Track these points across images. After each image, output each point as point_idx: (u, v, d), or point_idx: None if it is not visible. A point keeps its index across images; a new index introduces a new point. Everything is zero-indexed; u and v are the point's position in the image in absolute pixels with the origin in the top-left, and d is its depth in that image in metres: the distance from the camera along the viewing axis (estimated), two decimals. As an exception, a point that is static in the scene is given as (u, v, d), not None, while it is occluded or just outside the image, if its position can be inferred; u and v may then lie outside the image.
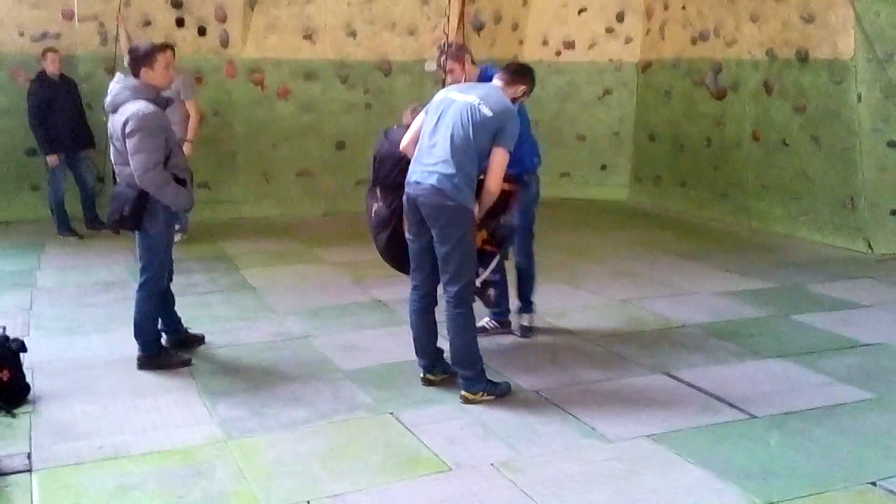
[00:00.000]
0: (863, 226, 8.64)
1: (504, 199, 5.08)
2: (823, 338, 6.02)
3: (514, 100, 4.89)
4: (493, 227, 5.20)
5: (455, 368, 4.92)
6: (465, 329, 4.83)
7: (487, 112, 4.61)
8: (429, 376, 5.05)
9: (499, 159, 4.65)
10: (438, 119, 4.72)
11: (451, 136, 4.61)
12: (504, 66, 5.09)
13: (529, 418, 4.62)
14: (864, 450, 4.29)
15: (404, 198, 4.81)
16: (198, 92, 9.22)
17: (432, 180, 4.60)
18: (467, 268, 4.79)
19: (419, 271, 4.94)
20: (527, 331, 6.01)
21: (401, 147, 4.99)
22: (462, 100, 4.68)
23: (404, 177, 4.89)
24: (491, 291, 5.76)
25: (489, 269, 5.45)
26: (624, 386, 5.12)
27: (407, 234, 4.91)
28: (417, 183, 4.67)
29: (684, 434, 4.43)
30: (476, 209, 4.75)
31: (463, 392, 4.83)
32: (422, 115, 4.93)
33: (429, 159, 4.67)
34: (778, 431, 4.47)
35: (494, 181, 4.70)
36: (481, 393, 4.81)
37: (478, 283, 5.50)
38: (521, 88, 4.96)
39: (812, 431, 4.48)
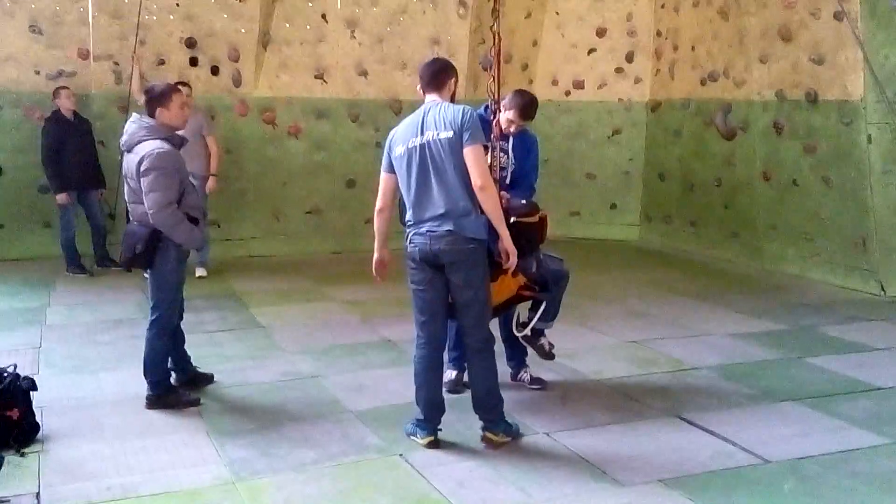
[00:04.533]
0: (875, 267, 8.60)
1: (535, 230, 5.09)
2: (837, 381, 5.96)
3: (453, 94, 4.71)
4: (529, 268, 5.13)
5: (478, 413, 4.79)
6: (491, 372, 4.74)
7: (448, 134, 4.47)
8: (437, 436, 4.77)
9: (473, 157, 4.44)
10: (414, 170, 4.55)
11: (438, 181, 4.51)
12: (421, 74, 4.74)
13: (540, 461, 4.58)
14: (879, 496, 4.23)
15: (413, 250, 4.62)
16: (215, 128, 9.36)
17: (448, 226, 4.50)
18: (489, 310, 4.75)
19: (433, 322, 4.70)
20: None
21: (378, 210, 4.79)
22: (423, 141, 4.52)
23: None
24: (544, 341, 5.66)
25: (538, 316, 5.40)
26: (636, 429, 5.07)
27: (416, 286, 4.69)
28: (431, 232, 4.53)
29: (697, 479, 4.38)
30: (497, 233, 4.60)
31: (487, 434, 4.74)
32: (383, 175, 4.76)
33: (431, 211, 4.53)
34: (792, 477, 4.41)
35: (481, 177, 4.44)
36: (502, 434, 4.74)
37: (527, 331, 5.46)
38: (454, 81, 4.73)
39: (827, 477, 4.42)
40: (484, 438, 4.75)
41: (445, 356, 5.16)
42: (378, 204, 4.80)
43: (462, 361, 5.43)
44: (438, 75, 4.69)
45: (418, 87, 4.76)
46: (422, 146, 4.55)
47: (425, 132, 4.55)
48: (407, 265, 4.72)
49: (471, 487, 4.26)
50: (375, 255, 4.95)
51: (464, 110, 4.53)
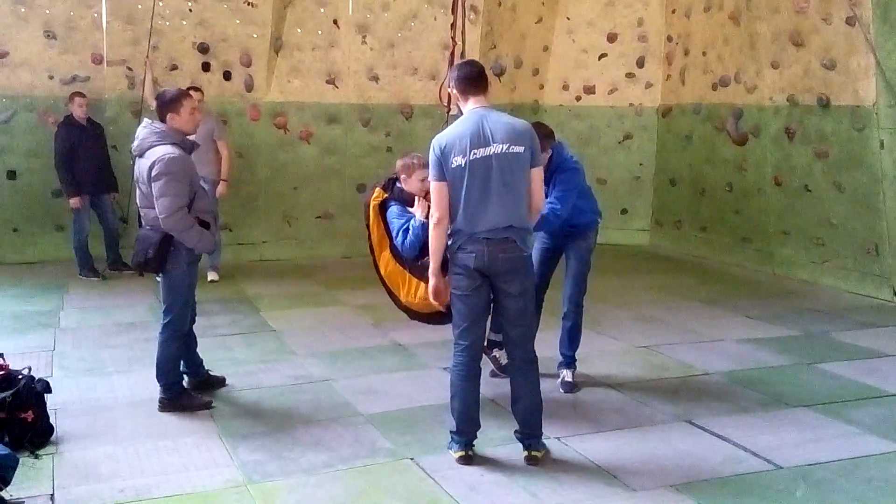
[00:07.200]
0: (887, 273, 8.56)
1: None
2: (849, 387, 5.95)
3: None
4: None
5: (525, 430, 4.63)
6: (539, 387, 4.64)
7: (519, 149, 4.38)
8: (470, 452, 4.64)
9: (538, 178, 4.53)
10: (477, 181, 4.36)
11: (505, 194, 4.37)
12: (463, 79, 4.52)
13: (551, 466, 4.58)
14: (892, 502, 4.22)
15: (466, 256, 4.43)
16: (226, 133, 9.43)
17: (508, 234, 4.40)
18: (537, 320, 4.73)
19: (474, 328, 4.57)
20: (571, 386, 5.82)
21: (437, 221, 4.46)
22: (490, 153, 4.35)
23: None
24: (500, 353, 5.77)
25: (488, 327, 5.25)
26: (646, 434, 5.07)
27: (462, 292, 4.50)
28: (488, 239, 4.39)
29: (708, 484, 4.38)
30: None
31: (533, 452, 4.59)
32: (437, 184, 4.44)
33: (491, 223, 4.37)
34: (803, 482, 4.41)
35: (540, 199, 4.60)
36: (543, 450, 4.63)
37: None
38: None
39: (838, 483, 4.41)
40: (530, 458, 4.57)
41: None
42: (437, 214, 4.47)
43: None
44: (483, 77, 4.57)
45: (451, 88, 4.58)
46: (487, 157, 4.37)
47: (492, 143, 4.37)
48: (452, 270, 4.55)
49: (482, 492, 4.27)
50: (432, 282, 4.65)
51: (529, 126, 4.54)
